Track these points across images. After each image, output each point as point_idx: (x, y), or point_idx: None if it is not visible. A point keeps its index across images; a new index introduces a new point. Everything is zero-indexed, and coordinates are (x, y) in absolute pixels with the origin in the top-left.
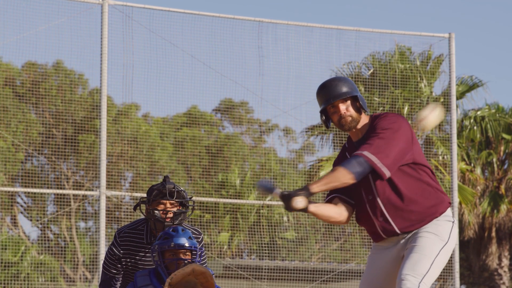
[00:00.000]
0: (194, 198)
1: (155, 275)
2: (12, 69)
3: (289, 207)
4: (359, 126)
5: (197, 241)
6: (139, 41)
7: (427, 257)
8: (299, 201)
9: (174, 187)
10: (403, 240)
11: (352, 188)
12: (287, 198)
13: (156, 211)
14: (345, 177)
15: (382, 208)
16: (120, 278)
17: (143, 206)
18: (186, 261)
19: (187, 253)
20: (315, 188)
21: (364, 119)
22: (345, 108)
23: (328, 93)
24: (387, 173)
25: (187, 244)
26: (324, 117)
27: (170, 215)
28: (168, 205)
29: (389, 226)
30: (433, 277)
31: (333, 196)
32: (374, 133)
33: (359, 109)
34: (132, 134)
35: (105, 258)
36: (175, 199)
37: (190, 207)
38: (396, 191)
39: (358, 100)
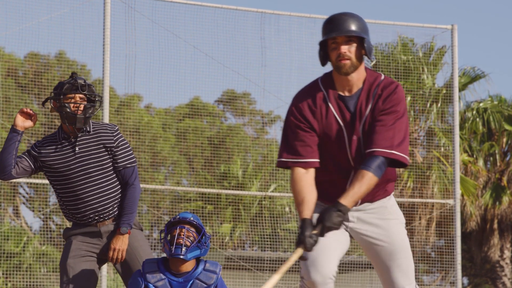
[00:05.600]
0: (196, 189)
1: (163, 263)
2: (14, 59)
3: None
4: (355, 75)
5: (112, 134)
6: (142, 32)
7: (408, 254)
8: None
9: (84, 81)
10: (354, 213)
11: (327, 148)
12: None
13: (67, 105)
14: (374, 183)
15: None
16: (19, 169)
17: (52, 110)
18: (185, 234)
19: (192, 228)
20: (351, 205)
21: (362, 71)
22: (347, 49)
23: (334, 26)
24: (408, 160)
25: (191, 218)
26: (322, 52)
27: (81, 107)
28: (77, 99)
29: None
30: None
31: (312, 161)
32: (389, 119)
33: (362, 57)
34: (134, 125)
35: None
36: (87, 92)
37: (97, 101)
38: None
39: (364, 45)
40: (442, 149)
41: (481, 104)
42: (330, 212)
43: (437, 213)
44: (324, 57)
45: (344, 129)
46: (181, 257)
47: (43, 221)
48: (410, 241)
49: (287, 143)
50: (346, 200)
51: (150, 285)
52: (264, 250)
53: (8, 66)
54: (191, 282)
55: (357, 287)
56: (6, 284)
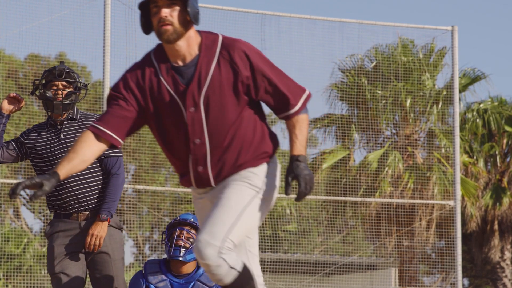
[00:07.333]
0: None
1: (165, 264)
2: (15, 61)
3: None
4: (183, 43)
5: None
6: (142, 34)
7: (230, 212)
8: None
9: (64, 68)
10: (213, 191)
11: (165, 126)
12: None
13: (48, 91)
14: (308, 121)
15: (207, 155)
16: (4, 153)
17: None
18: (185, 236)
19: (192, 230)
20: (304, 151)
21: (194, 37)
22: (169, 13)
23: None
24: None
25: (192, 219)
26: (143, 19)
27: (59, 93)
28: (60, 86)
29: (206, 176)
30: (243, 233)
31: (105, 132)
32: (275, 75)
33: (188, 22)
34: None
35: None
36: (64, 78)
37: (82, 89)
38: (235, 132)
39: (188, 10)
40: (443, 150)
41: (481, 105)
42: (295, 167)
43: (438, 214)
44: (145, 25)
45: (180, 102)
46: (180, 258)
47: (44, 222)
48: (410, 242)
49: (102, 113)
50: (297, 149)
51: (152, 286)
52: (265, 252)
53: (8, 68)
54: (192, 283)
55: None
56: (7, 286)
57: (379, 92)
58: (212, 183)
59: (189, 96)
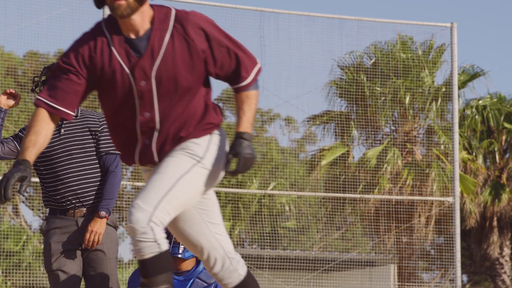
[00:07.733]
0: None
1: None
2: (14, 58)
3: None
4: (136, 17)
5: (98, 119)
6: None
7: (166, 179)
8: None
9: None
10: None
11: (112, 100)
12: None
13: None
14: (257, 96)
15: (155, 128)
16: (4, 148)
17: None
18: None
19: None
20: (251, 129)
21: (147, 11)
22: None
23: None
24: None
25: (179, 256)
26: None
27: None
28: None
29: (150, 150)
30: (181, 202)
31: (62, 110)
32: (232, 44)
33: None
34: None
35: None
36: None
37: None
38: (185, 106)
39: None
40: (442, 146)
41: (480, 102)
42: (238, 144)
43: (437, 211)
44: None
45: (131, 75)
46: (179, 256)
47: (43, 219)
48: (409, 238)
49: (49, 85)
50: (243, 126)
51: None
52: (264, 248)
53: (7, 65)
54: (191, 281)
55: (356, 285)
56: (6, 283)
57: (378, 89)
58: (156, 158)
59: (140, 69)
